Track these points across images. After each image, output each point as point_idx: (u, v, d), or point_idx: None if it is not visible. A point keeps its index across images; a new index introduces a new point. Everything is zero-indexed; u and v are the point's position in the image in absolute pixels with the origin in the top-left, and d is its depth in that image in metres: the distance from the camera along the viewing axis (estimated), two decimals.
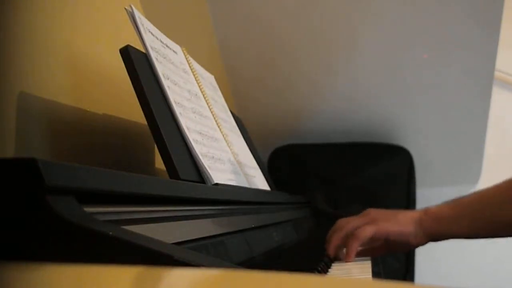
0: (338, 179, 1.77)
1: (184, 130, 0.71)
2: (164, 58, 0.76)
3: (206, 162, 0.72)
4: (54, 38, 0.72)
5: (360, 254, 0.85)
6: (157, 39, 0.77)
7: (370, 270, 0.73)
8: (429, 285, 1.27)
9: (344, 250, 0.83)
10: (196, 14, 1.50)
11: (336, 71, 1.68)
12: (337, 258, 0.83)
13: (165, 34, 0.81)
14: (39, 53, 0.68)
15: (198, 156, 0.71)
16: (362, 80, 1.71)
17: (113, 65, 0.77)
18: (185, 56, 0.88)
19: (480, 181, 1.99)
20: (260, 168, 1.08)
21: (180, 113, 0.72)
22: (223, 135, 0.88)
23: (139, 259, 0.35)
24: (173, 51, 0.83)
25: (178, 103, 0.73)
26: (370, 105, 1.78)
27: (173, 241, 0.49)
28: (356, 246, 0.80)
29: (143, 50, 0.72)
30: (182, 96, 0.77)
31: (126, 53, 0.68)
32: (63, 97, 0.72)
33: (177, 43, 0.86)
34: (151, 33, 0.75)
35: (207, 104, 0.87)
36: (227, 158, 0.83)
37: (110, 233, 0.35)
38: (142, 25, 0.72)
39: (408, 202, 1.74)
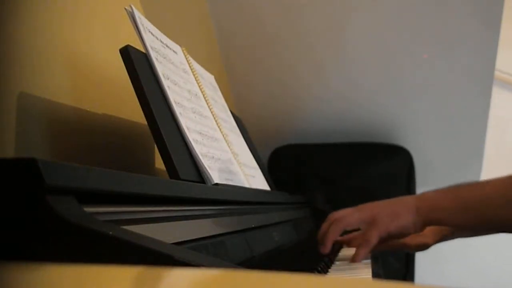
0: (338, 179, 1.77)
1: (184, 130, 0.71)
2: (164, 58, 0.76)
3: (206, 162, 0.72)
4: (54, 38, 0.72)
5: None
6: (157, 39, 0.77)
7: (370, 270, 0.73)
8: (429, 285, 1.27)
9: (343, 250, 0.82)
10: (196, 14, 1.50)
11: (337, 71, 1.68)
12: (334, 254, 0.82)
13: (165, 34, 0.81)
14: (39, 53, 0.68)
15: (198, 156, 0.71)
16: (362, 80, 1.71)
17: (113, 65, 0.77)
18: (185, 56, 0.88)
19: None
20: (260, 168, 1.08)
21: (180, 113, 0.72)
22: (223, 135, 0.88)
23: (139, 259, 0.35)
24: (173, 51, 0.83)
25: (178, 103, 0.73)
26: (370, 105, 1.78)
27: (173, 241, 0.49)
28: (365, 254, 0.79)
29: (143, 50, 0.72)
30: (182, 96, 0.77)
31: (126, 53, 0.68)
32: (63, 97, 0.72)
33: (177, 43, 0.86)
34: (151, 33, 0.75)
35: (207, 104, 0.87)
36: (227, 158, 0.83)
37: (110, 233, 0.35)
38: (142, 25, 0.72)
39: None
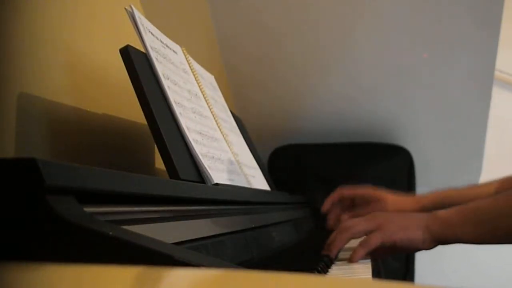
0: (338, 179, 1.77)
1: (184, 130, 0.71)
2: (164, 58, 0.76)
3: (206, 162, 0.72)
4: (54, 38, 0.72)
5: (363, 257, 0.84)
6: (157, 39, 0.77)
7: (370, 270, 0.73)
8: (429, 285, 1.27)
9: (343, 250, 0.82)
10: (196, 14, 1.50)
11: (336, 71, 1.68)
12: (335, 257, 0.81)
13: (165, 34, 0.81)
14: (39, 53, 0.68)
15: (198, 156, 0.71)
16: (362, 80, 1.71)
17: (113, 65, 0.77)
18: (185, 56, 0.88)
19: (480, 181, 1.99)
20: (260, 168, 1.08)
21: (180, 113, 0.72)
22: (223, 135, 0.88)
23: (139, 259, 0.35)
24: (173, 51, 0.83)
25: (178, 103, 0.73)
26: (370, 105, 1.78)
27: (173, 241, 0.49)
28: (362, 255, 0.79)
29: (143, 50, 0.72)
30: (182, 96, 0.77)
31: (126, 53, 0.68)
32: (63, 97, 0.72)
33: (177, 43, 0.86)
34: (151, 33, 0.75)
35: (207, 104, 0.87)
36: (227, 158, 0.83)
37: (110, 233, 0.35)
38: (142, 25, 0.72)
39: None
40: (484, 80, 1.66)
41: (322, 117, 1.82)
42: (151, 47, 0.72)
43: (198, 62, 0.94)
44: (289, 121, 1.85)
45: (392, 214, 0.86)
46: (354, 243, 0.83)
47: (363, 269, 0.74)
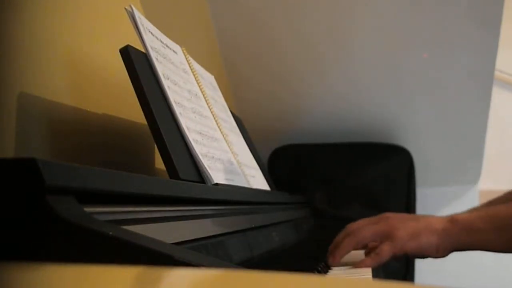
0: (338, 179, 1.77)
1: (184, 130, 0.71)
2: (164, 58, 0.76)
3: (206, 162, 0.72)
4: (54, 38, 0.72)
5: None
6: (157, 39, 0.77)
7: (370, 270, 0.72)
8: (429, 285, 1.27)
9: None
10: (196, 14, 1.50)
11: (336, 71, 1.68)
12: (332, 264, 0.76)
13: (165, 34, 0.81)
14: (39, 53, 0.68)
15: (198, 156, 0.71)
16: (362, 80, 1.71)
17: (113, 65, 0.77)
18: (185, 56, 0.88)
19: (480, 181, 1.99)
20: (260, 168, 1.08)
21: (180, 113, 0.72)
22: (223, 135, 0.88)
23: (139, 259, 0.35)
24: (173, 51, 0.83)
25: (178, 103, 0.73)
26: (370, 105, 1.78)
27: (173, 241, 0.49)
28: (371, 266, 0.72)
29: (143, 50, 0.72)
30: (182, 96, 0.77)
31: (126, 53, 0.68)
32: (63, 97, 0.72)
33: (177, 43, 0.86)
34: (151, 33, 0.75)
35: (207, 104, 0.87)
36: (227, 158, 0.83)
37: (110, 233, 0.35)
38: (142, 25, 0.72)
39: (408, 202, 1.74)
40: (484, 80, 1.66)
41: (322, 117, 1.82)
42: (151, 47, 0.72)
43: (198, 62, 0.94)
44: (289, 121, 1.85)
45: (403, 216, 0.78)
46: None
47: (363, 269, 0.74)
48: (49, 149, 0.68)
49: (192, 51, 0.92)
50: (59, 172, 0.36)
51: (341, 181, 1.77)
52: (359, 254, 0.80)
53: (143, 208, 0.48)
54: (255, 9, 1.53)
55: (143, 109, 0.67)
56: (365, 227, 0.76)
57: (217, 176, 0.73)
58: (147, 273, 0.32)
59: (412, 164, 1.78)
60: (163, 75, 0.73)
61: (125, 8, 0.71)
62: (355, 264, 0.74)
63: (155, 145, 0.66)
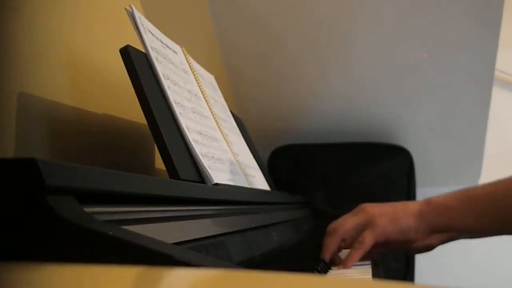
0: (338, 179, 1.77)
1: (184, 130, 0.71)
2: (164, 58, 0.76)
3: (206, 162, 0.72)
4: (54, 38, 0.72)
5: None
6: (157, 39, 0.77)
7: (370, 270, 0.73)
8: (429, 285, 1.27)
9: (343, 251, 0.78)
10: (196, 14, 1.50)
11: (336, 71, 1.68)
12: (334, 263, 0.76)
13: (165, 34, 0.81)
14: (39, 53, 0.68)
15: (198, 156, 0.71)
16: (362, 80, 1.71)
17: (113, 65, 0.77)
18: (185, 56, 0.88)
19: (480, 181, 1.99)
20: (260, 168, 1.09)
21: (180, 113, 0.72)
22: (223, 135, 0.88)
23: (139, 259, 0.35)
24: (173, 51, 0.83)
25: (178, 103, 0.73)
26: (370, 105, 1.78)
27: (173, 241, 0.49)
28: (357, 258, 0.73)
29: (143, 50, 0.72)
30: (182, 96, 0.77)
31: (126, 53, 0.68)
32: (63, 97, 0.72)
33: (177, 43, 0.86)
34: (151, 33, 0.75)
35: (207, 104, 0.87)
36: (227, 158, 0.83)
37: (110, 233, 0.35)
38: (142, 25, 0.72)
39: None
40: (484, 80, 1.66)
41: (322, 117, 1.82)
42: (151, 47, 0.72)
43: (198, 62, 0.94)
44: (289, 121, 1.85)
45: (380, 204, 0.78)
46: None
47: (363, 269, 0.74)
48: (49, 149, 0.68)
49: (192, 51, 0.92)
50: (59, 172, 0.36)
51: (341, 181, 1.77)
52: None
53: (143, 208, 0.48)
54: (255, 9, 1.53)
55: (143, 109, 0.67)
56: (346, 222, 0.77)
57: (217, 176, 0.73)
58: (147, 273, 0.32)
59: (412, 164, 1.78)
60: (163, 75, 0.73)
61: (125, 8, 0.71)
62: (344, 264, 0.73)
63: (155, 145, 0.66)
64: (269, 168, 1.75)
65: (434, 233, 0.77)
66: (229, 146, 0.88)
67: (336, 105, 1.77)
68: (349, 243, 0.78)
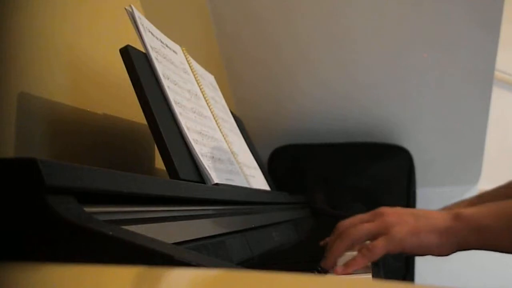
0: (338, 179, 1.77)
1: (184, 130, 0.71)
2: (164, 58, 0.76)
3: (206, 162, 0.72)
4: (54, 38, 0.72)
5: None
6: (157, 39, 0.77)
7: (370, 270, 0.72)
8: (429, 285, 1.27)
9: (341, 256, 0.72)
10: (196, 14, 1.50)
11: (336, 71, 1.68)
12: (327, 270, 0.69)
13: (165, 34, 0.81)
14: (39, 53, 0.68)
15: (198, 156, 0.71)
16: (362, 80, 1.71)
17: (113, 65, 0.77)
18: (185, 56, 0.88)
19: (480, 181, 1.99)
20: (260, 168, 1.09)
21: (180, 113, 0.72)
22: (223, 135, 0.88)
23: (139, 259, 0.35)
24: (173, 51, 0.83)
25: (178, 103, 0.73)
26: (370, 105, 1.78)
27: (173, 241, 0.49)
28: (362, 265, 0.66)
29: (143, 50, 0.72)
30: (182, 96, 0.77)
31: (126, 53, 0.68)
32: (63, 97, 0.72)
33: (177, 43, 0.86)
34: (151, 33, 0.75)
35: (207, 104, 0.87)
36: (227, 158, 0.83)
37: (110, 233, 0.35)
38: (142, 25, 0.72)
39: (408, 202, 1.74)
40: (484, 80, 1.66)
41: (322, 117, 1.82)
42: (151, 47, 0.72)
43: (198, 62, 0.94)
44: (289, 121, 1.85)
45: (400, 212, 0.70)
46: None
47: (363, 269, 0.74)
48: (49, 149, 0.68)
49: (192, 51, 0.92)
50: (59, 172, 0.36)
51: (341, 181, 1.77)
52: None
53: (143, 208, 0.48)
54: (255, 9, 1.53)
55: (143, 109, 0.67)
56: (358, 226, 0.69)
57: (217, 176, 0.73)
58: (147, 273, 0.32)
59: (412, 164, 1.78)
60: (163, 75, 0.73)
61: (125, 8, 0.71)
62: (346, 266, 0.67)
63: (155, 145, 0.66)
64: (269, 168, 1.75)
65: (460, 249, 0.69)
66: (229, 146, 0.88)
67: (336, 105, 1.78)
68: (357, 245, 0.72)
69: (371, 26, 1.55)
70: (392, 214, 0.69)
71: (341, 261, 0.74)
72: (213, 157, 0.76)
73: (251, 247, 0.72)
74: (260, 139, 1.63)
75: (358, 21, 1.54)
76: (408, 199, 1.75)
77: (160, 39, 0.78)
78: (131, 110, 0.81)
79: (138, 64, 0.68)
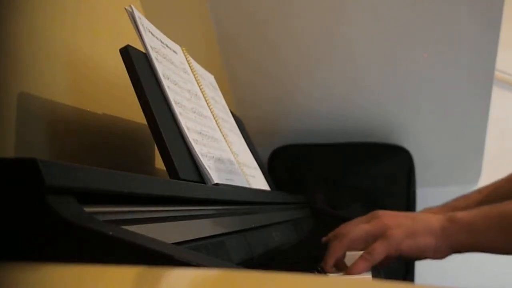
0: (338, 179, 1.77)
1: (184, 130, 0.71)
2: (164, 58, 0.76)
3: (206, 162, 0.72)
4: (54, 38, 0.72)
5: None
6: (157, 39, 0.77)
7: (370, 270, 0.72)
8: (429, 285, 1.27)
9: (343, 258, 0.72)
10: (196, 14, 1.50)
11: (336, 70, 1.68)
12: (337, 268, 0.70)
13: (165, 34, 0.81)
14: (39, 53, 0.68)
15: (198, 156, 0.71)
16: (362, 80, 1.71)
17: (113, 65, 0.77)
18: (185, 56, 0.88)
19: (480, 180, 1.99)
20: (260, 168, 1.09)
21: (180, 113, 0.72)
22: (223, 135, 0.88)
23: (139, 259, 0.35)
24: (173, 51, 0.83)
25: (178, 103, 0.73)
26: (370, 105, 1.78)
27: (173, 241, 0.49)
28: (364, 269, 0.67)
29: (143, 50, 0.72)
30: (182, 96, 0.77)
31: (126, 53, 0.68)
32: (63, 97, 0.72)
33: (177, 43, 0.86)
34: (151, 33, 0.75)
35: (207, 104, 0.87)
36: (227, 158, 0.83)
37: (110, 233, 0.35)
38: (142, 25, 0.72)
39: (408, 202, 1.74)
40: (484, 80, 1.66)
41: (322, 117, 1.82)
42: (151, 47, 0.72)
43: (198, 62, 0.94)
44: (289, 121, 1.85)
45: (396, 214, 0.71)
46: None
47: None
48: (49, 149, 0.68)
49: (192, 51, 0.92)
50: (59, 172, 0.36)
51: (341, 181, 1.77)
52: (359, 255, 0.77)
53: (143, 208, 0.48)
54: (255, 10, 1.53)
55: (143, 109, 0.67)
56: (356, 228, 0.70)
57: (217, 176, 0.73)
58: (147, 273, 0.32)
59: (412, 164, 1.78)
60: (163, 75, 0.73)
61: (125, 8, 0.71)
62: (348, 270, 0.68)
63: (155, 145, 0.66)
64: (269, 168, 1.75)
65: (455, 252, 0.70)
66: (229, 146, 0.88)
67: (336, 105, 1.78)
68: (357, 248, 0.73)
69: (371, 26, 1.55)
70: (389, 217, 0.71)
71: (345, 261, 0.74)
72: (213, 157, 0.76)
73: (251, 247, 0.72)
74: (260, 139, 1.63)
75: (358, 21, 1.54)
76: (408, 199, 1.75)
77: (160, 39, 0.78)
78: (131, 110, 0.81)
79: (138, 64, 0.68)
